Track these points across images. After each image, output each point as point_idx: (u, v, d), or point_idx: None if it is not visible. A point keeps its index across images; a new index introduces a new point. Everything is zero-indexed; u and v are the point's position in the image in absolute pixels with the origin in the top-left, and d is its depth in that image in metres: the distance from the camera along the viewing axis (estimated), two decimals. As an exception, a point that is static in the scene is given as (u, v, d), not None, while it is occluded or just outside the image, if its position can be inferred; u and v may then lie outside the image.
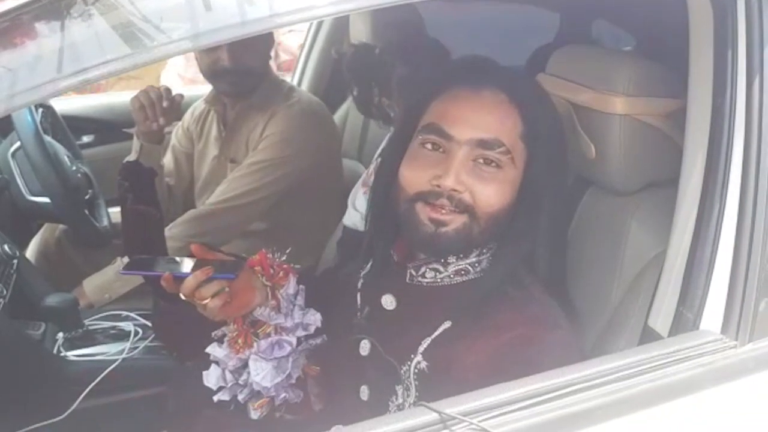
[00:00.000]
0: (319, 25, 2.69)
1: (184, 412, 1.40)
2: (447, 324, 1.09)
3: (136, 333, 1.69)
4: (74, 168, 1.92)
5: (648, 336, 1.14)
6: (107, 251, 1.98)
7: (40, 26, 0.66)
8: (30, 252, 2.15)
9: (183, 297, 1.09)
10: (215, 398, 1.23)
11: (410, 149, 1.12)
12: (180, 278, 1.09)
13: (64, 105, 2.34)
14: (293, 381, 1.23)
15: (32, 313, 1.64)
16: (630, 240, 1.24)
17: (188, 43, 0.72)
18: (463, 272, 1.12)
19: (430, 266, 1.13)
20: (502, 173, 1.07)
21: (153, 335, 1.68)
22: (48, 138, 1.86)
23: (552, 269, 1.13)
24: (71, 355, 1.62)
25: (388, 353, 1.13)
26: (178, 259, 1.15)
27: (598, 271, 1.28)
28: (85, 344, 1.65)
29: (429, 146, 1.09)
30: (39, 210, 1.88)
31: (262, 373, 1.18)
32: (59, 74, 0.65)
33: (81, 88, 0.66)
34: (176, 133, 2.24)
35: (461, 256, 1.11)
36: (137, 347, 1.65)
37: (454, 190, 1.05)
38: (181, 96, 1.87)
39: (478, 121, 1.07)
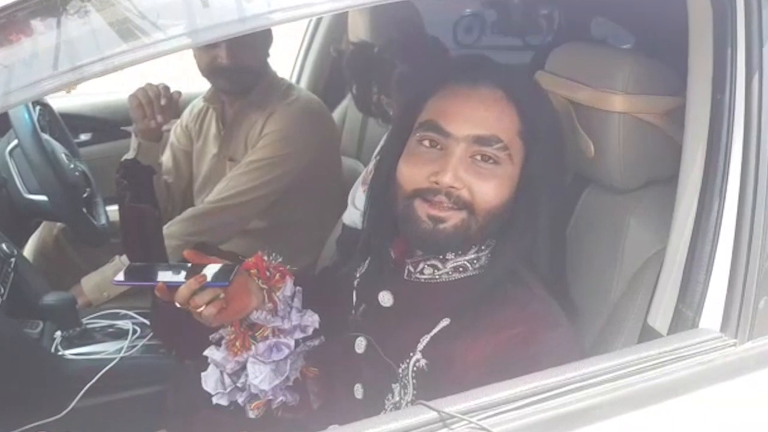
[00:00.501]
0: (318, 22, 2.69)
1: (182, 411, 1.40)
2: (446, 321, 1.08)
3: (135, 331, 1.69)
4: (72, 166, 1.92)
5: (647, 334, 1.14)
6: (105, 250, 1.98)
7: (36, 23, 0.66)
8: (28, 250, 2.14)
9: (178, 305, 1.09)
10: (214, 401, 1.23)
11: (408, 147, 1.12)
12: (173, 287, 1.08)
13: (61, 103, 2.33)
14: (291, 383, 1.23)
15: (30, 311, 1.64)
16: (629, 237, 1.24)
17: (186, 39, 0.72)
18: (461, 269, 1.12)
19: (429, 263, 1.13)
20: (500, 169, 1.07)
21: (151, 334, 1.68)
22: (45, 136, 1.86)
23: (551, 267, 1.13)
24: (69, 353, 1.62)
25: (385, 351, 1.13)
26: (173, 266, 1.14)
27: (597, 269, 1.28)
28: (83, 343, 1.66)
29: (426, 143, 1.09)
30: (37, 208, 1.88)
31: (260, 376, 1.18)
32: (55, 71, 0.65)
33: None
34: (175, 131, 2.23)
35: (459, 252, 1.11)
36: (135, 346, 1.65)
37: (452, 187, 1.05)
38: (179, 93, 1.87)
39: (475, 117, 1.07)
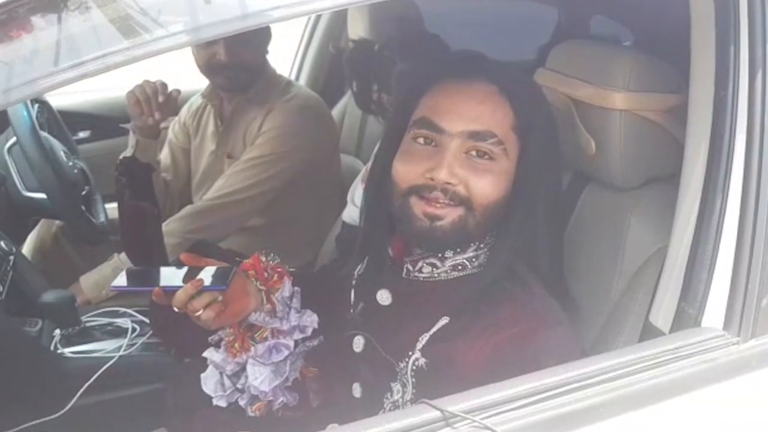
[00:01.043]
0: (317, 20, 2.69)
1: (182, 409, 1.39)
2: (445, 320, 1.08)
3: (134, 330, 1.69)
4: (71, 164, 1.92)
5: (649, 332, 1.14)
6: (104, 247, 1.98)
7: (37, 19, 0.65)
8: (26, 248, 2.14)
9: (176, 309, 1.08)
10: (214, 401, 1.22)
11: (403, 144, 1.12)
12: (170, 291, 1.08)
13: (60, 100, 2.33)
14: (289, 383, 1.22)
15: (29, 309, 1.64)
16: (630, 236, 1.24)
17: (187, 36, 0.71)
18: (460, 267, 1.11)
19: (427, 261, 1.12)
20: (496, 165, 1.07)
21: (150, 332, 1.68)
22: (44, 134, 1.86)
23: (551, 265, 1.12)
24: (68, 351, 1.62)
25: (384, 350, 1.12)
26: (171, 269, 1.13)
27: (598, 267, 1.28)
28: (82, 341, 1.65)
29: (421, 140, 1.09)
30: (35, 206, 1.88)
31: (260, 378, 1.18)
32: (56, 68, 0.64)
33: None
34: (173, 129, 2.23)
35: (458, 250, 1.11)
36: (135, 344, 1.65)
37: (448, 183, 1.05)
38: (178, 91, 1.86)
39: (469, 113, 1.07)
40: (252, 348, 1.18)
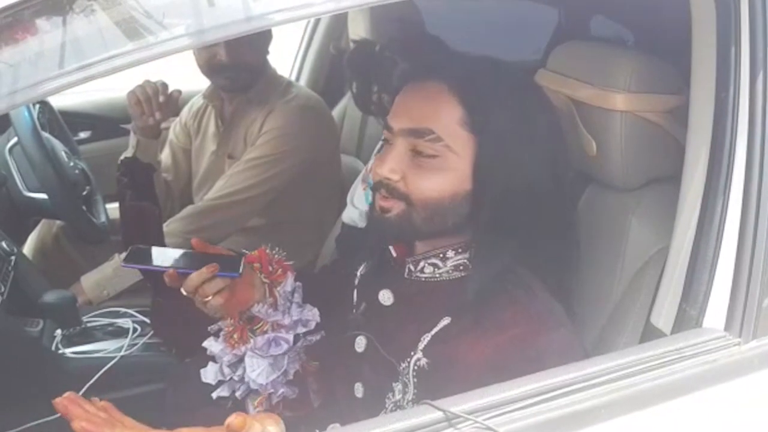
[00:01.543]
0: (317, 20, 2.69)
1: (182, 409, 1.40)
2: (446, 320, 1.08)
3: (135, 330, 1.69)
4: (72, 164, 1.92)
5: (650, 333, 1.14)
6: (105, 247, 1.98)
7: (42, 22, 0.65)
8: (27, 248, 2.14)
9: (185, 293, 1.09)
10: (214, 395, 1.23)
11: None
12: (183, 274, 1.08)
13: (61, 101, 2.33)
14: (290, 377, 1.23)
15: (30, 310, 1.64)
16: (631, 236, 1.24)
17: (191, 39, 0.72)
18: (461, 267, 1.11)
19: (429, 261, 1.13)
20: (442, 162, 1.07)
21: (151, 332, 1.68)
22: (45, 134, 1.86)
23: (552, 266, 1.12)
24: (69, 352, 1.62)
25: (386, 350, 1.12)
26: (177, 251, 1.14)
27: (598, 268, 1.28)
28: (83, 341, 1.66)
29: (385, 141, 1.13)
30: (36, 206, 1.89)
31: (257, 370, 1.18)
32: (61, 70, 0.65)
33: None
34: (174, 129, 2.23)
35: (460, 250, 1.11)
36: (136, 344, 1.65)
37: (387, 179, 1.08)
38: (179, 92, 1.86)
39: (412, 111, 1.10)
40: (251, 340, 1.18)
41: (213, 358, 1.23)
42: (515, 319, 1.04)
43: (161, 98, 1.84)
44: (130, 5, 0.68)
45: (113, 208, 2.02)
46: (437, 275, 1.12)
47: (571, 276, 1.20)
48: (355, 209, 1.87)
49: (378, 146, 1.85)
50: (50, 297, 1.64)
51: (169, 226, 1.90)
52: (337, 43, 2.61)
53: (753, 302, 1.02)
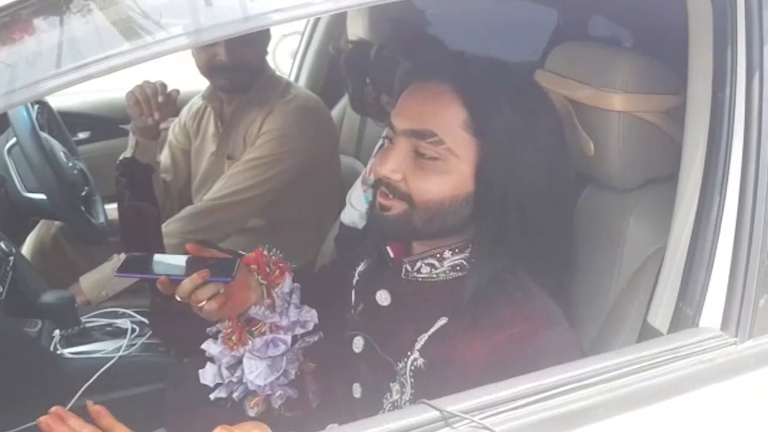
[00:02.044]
0: (317, 21, 2.69)
1: (181, 410, 1.40)
2: (443, 320, 1.08)
3: (133, 330, 1.69)
4: (70, 164, 1.92)
5: (647, 333, 1.14)
6: (104, 248, 1.98)
7: (39, 22, 0.66)
8: (26, 249, 2.14)
9: (179, 299, 1.09)
10: (212, 396, 1.23)
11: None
12: (176, 281, 1.08)
13: (60, 101, 2.33)
14: (292, 377, 1.23)
15: (29, 310, 1.64)
16: (628, 236, 1.24)
17: (188, 39, 0.72)
18: (458, 268, 1.12)
19: (426, 261, 1.13)
20: (443, 164, 1.07)
21: (150, 332, 1.68)
22: (44, 134, 1.86)
23: (550, 266, 1.13)
24: (68, 352, 1.62)
25: (383, 350, 1.13)
26: (173, 257, 1.14)
27: (596, 268, 1.28)
28: (81, 341, 1.65)
29: (387, 140, 1.14)
30: (35, 207, 1.88)
31: (256, 371, 1.18)
32: (58, 70, 0.65)
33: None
34: (173, 130, 2.23)
35: (457, 251, 1.11)
36: (134, 344, 1.65)
37: (388, 178, 1.08)
38: (177, 92, 1.86)
39: (415, 112, 1.09)
40: (249, 342, 1.18)
41: (212, 359, 1.23)
42: (512, 319, 1.04)
43: (160, 99, 1.84)
44: (127, 5, 0.68)
45: (112, 209, 2.02)
46: (434, 275, 1.13)
47: (569, 276, 1.20)
48: (354, 210, 1.87)
49: (378, 144, 1.85)
50: (49, 297, 1.64)
51: (167, 227, 1.90)
52: (336, 43, 2.61)
53: (749, 302, 1.02)
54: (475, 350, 1.03)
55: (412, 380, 1.08)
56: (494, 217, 1.07)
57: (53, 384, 1.52)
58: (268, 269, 1.20)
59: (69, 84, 0.66)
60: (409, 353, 1.08)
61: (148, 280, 1.13)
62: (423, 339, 1.08)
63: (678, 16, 1.10)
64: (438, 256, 1.12)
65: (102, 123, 2.60)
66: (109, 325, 1.73)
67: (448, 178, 1.07)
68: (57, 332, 1.64)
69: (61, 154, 1.90)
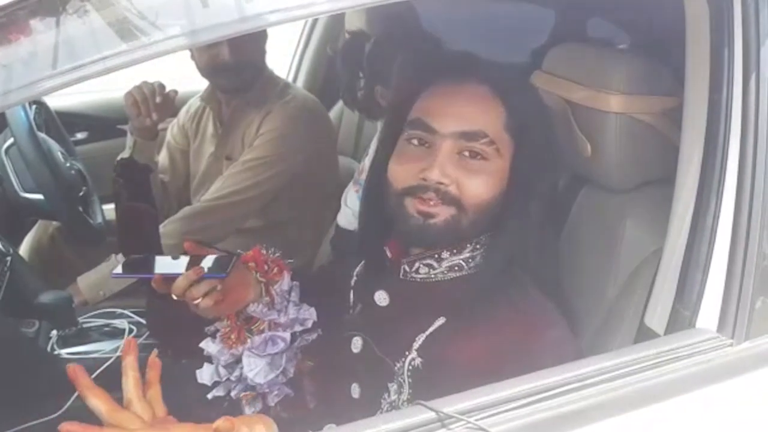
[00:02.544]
0: (315, 22, 2.69)
1: (178, 410, 1.39)
2: (441, 321, 1.08)
3: (131, 330, 1.69)
4: (68, 165, 1.91)
5: (644, 334, 1.14)
6: (101, 248, 1.98)
7: (36, 22, 0.66)
8: (23, 249, 2.14)
9: (175, 297, 1.09)
10: (210, 395, 1.22)
11: (398, 145, 1.13)
12: (171, 278, 1.08)
13: (57, 101, 2.33)
14: (290, 375, 1.23)
15: (26, 310, 1.64)
16: (626, 238, 1.25)
17: (185, 39, 0.72)
18: (456, 268, 1.12)
19: (424, 262, 1.13)
20: (489, 165, 1.08)
21: (147, 333, 1.68)
22: (42, 135, 1.86)
23: (547, 267, 1.13)
24: (65, 352, 1.62)
25: (381, 350, 1.13)
26: (172, 257, 1.14)
27: (593, 269, 1.28)
28: (79, 342, 1.66)
29: (415, 142, 1.10)
30: (32, 207, 1.88)
31: (255, 369, 1.18)
32: (54, 71, 0.65)
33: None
34: (171, 131, 2.23)
35: (455, 251, 1.11)
36: (132, 345, 1.64)
37: (440, 183, 1.06)
38: (175, 92, 1.86)
39: (461, 113, 1.08)
40: (248, 340, 1.18)
41: (209, 359, 1.23)
42: (510, 319, 1.04)
43: (158, 99, 1.84)
44: (124, 6, 0.68)
45: (110, 209, 2.02)
46: (432, 276, 1.13)
47: (567, 277, 1.20)
48: (349, 209, 1.87)
49: (373, 147, 1.85)
50: (46, 298, 1.64)
51: (165, 228, 1.90)
52: (334, 44, 2.61)
53: (746, 303, 1.02)
54: (472, 350, 1.03)
55: (410, 380, 1.08)
56: (515, 216, 1.09)
57: (50, 384, 1.52)
58: (266, 267, 1.20)
59: (65, 85, 0.66)
60: (407, 353, 1.08)
61: (145, 281, 1.13)
62: (421, 339, 1.08)
63: (675, 17, 1.11)
64: (436, 257, 1.12)
65: (100, 123, 2.60)
66: (107, 325, 1.73)
67: (493, 178, 1.08)
68: (54, 332, 1.64)
69: (59, 154, 1.89)
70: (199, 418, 1.26)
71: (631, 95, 1.21)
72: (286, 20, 0.76)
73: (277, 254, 1.23)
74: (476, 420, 0.86)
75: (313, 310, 1.21)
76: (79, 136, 2.58)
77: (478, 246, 1.12)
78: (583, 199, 1.35)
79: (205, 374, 1.22)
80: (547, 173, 1.13)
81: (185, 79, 2.26)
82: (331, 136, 2.26)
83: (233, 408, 1.23)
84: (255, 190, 1.97)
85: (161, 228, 1.85)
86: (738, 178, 1.03)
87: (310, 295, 1.23)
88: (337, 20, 2.51)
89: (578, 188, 1.36)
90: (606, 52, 1.35)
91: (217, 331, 1.21)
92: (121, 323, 1.72)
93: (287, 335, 1.19)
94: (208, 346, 1.21)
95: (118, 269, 1.13)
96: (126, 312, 1.76)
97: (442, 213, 1.07)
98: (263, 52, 2.06)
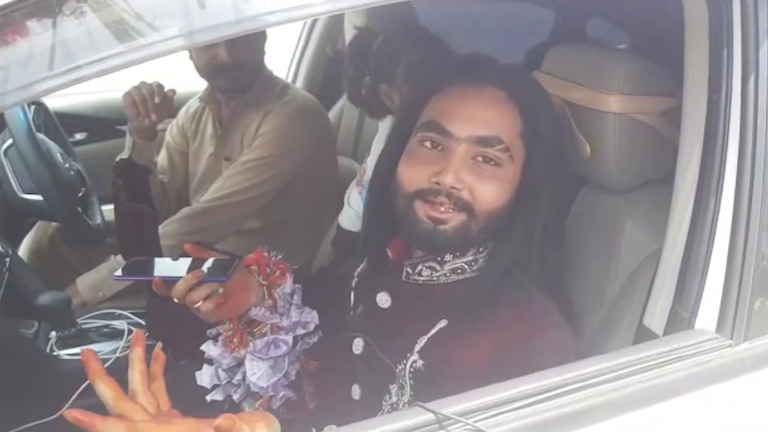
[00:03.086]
0: (314, 22, 2.69)
1: (177, 411, 1.39)
2: (443, 323, 1.08)
3: (130, 331, 1.69)
4: (67, 165, 1.91)
5: (643, 335, 1.14)
6: (100, 249, 1.98)
7: (33, 23, 0.66)
8: (23, 250, 2.14)
9: (176, 300, 1.08)
10: (208, 398, 1.22)
11: (409, 147, 1.12)
12: (171, 282, 1.08)
13: (56, 102, 2.33)
14: (292, 378, 1.22)
15: (25, 311, 1.64)
16: (625, 238, 1.24)
17: (182, 40, 0.72)
18: (459, 271, 1.12)
19: (427, 264, 1.13)
20: (502, 171, 1.07)
21: (147, 334, 1.67)
22: (41, 135, 1.86)
23: (545, 268, 1.13)
24: (64, 353, 1.62)
25: (383, 352, 1.12)
26: (173, 259, 1.14)
27: (593, 270, 1.28)
28: (78, 343, 1.65)
29: (428, 144, 1.09)
30: (32, 208, 1.88)
31: (258, 373, 1.18)
32: (51, 72, 0.65)
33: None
34: (170, 131, 2.24)
35: (458, 254, 1.11)
36: (131, 346, 1.64)
37: (454, 188, 1.05)
38: (174, 92, 1.87)
39: (478, 118, 1.07)
40: (250, 343, 1.18)
41: (209, 360, 1.22)
42: (511, 321, 1.04)
43: (157, 100, 1.84)
44: (121, 7, 0.68)
45: (109, 210, 2.02)
46: (435, 278, 1.12)
47: (566, 278, 1.20)
48: (352, 210, 1.87)
49: (374, 147, 1.85)
50: (45, 298, 1.64)
51: (165, 228, 1.90)
52: (333, 45, 2.62)
53: (744, 304, 1.02)
54: (474, 352, 1.03)
55: (412, 382, 1.08)
56: (522, 223, 1.09)
57: (50, 385, 1.52)
58: (268, 270, 1.19)
59: (63, 86, 0.66)
60: (408, 355, 1.08)
61: (146, 282, 1.13)
62: (423, 341, 1.08)
63: (674, 17, 1.10)
64: (439, 259, 1.12)
65: (99, 124, 2.60)
66: (106, 326, 1.73)
67: (504, 184, 1.08)
68: (53, 333, 1.64)
69: (58, 155, 1.89)
70: (199, 416, 1.26)
71: (631, 95, 1.20)
72: (284, 21, 0.76)
73: (280, 256, 1.23)
74: (475, 421, 0.86)
75: (315, 313, 1.21)
76: (78, 136, 2.58)
77: (481, 249, 1.12)
78: (583, 199, 1.35)
79: (204, 376, 1.22)
80: (557, 180, 1.13)
81: (186, 80, 2.26)
82: (331, 136, 2.26)
83: (233, 410, 1.23)
84: (254, 190, 1.97)
85: (160, 229, 1.85)
86: (737, 178, 1.03)
87: (310, 298, 1.23)
88: (336, 20, 2.51)
89: (578, 188, 1.36)
90: (605, 53, 1.35)
91: (219, 334, 1.21)
92: (121, 324, 1.72)
93: (289, 338, 1.19)
94: (210, 349, 1.20)
95: (119, 272, 1.13)
96: (125, 313, 1.76)
97: (453, 219, 1.06)
98: (262, 53, 2.06)
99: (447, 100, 1.10)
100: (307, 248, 2.12)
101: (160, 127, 1.94)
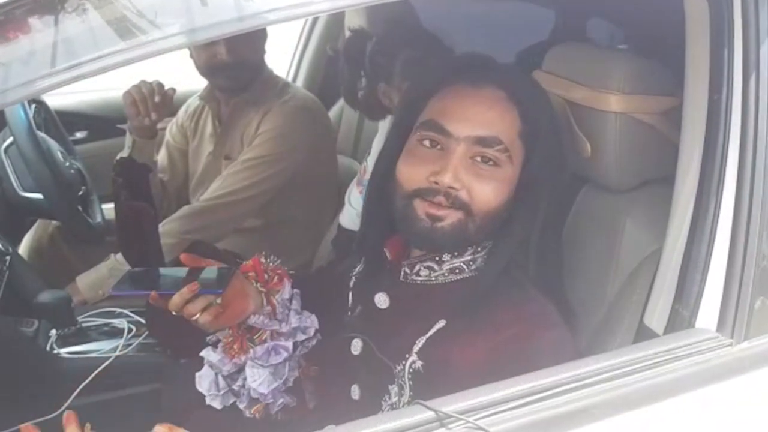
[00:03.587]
0: (314, 21, 2.69)
1: (177, 410, 1.39)
2: (441, 323, 1.08)
3: (130, 330, 1.69)
4: (67, 164, 1.92)
5: (643, 334, 1.14)
6: (101, 248, 1.97)
7: (34, 21, 0.66)
8: (23, 248, 2.14)
9: (173, 313, 1.08)
10: (207, 401, 1.22)
11: (408, 146, 1.12)
12: (167, 295, 1.06)
13: (57, 101, 2.33)
14: (290, 384, 1.22)
15: (25, 310, 1.64)
16: (625, 238, 1.24)
17: (183, 38, 0.72)
18: (457, 270, 1.12)
19: (425, 264, 1.13)
20: (500, 171, 1.07)
21: (147, 332, 1.68)
22: (41, 134, 1.86)
23: (547, 267, 1.13)
24: (64, 352, 1.62)
25: (382, 352, 1.12)
26: (169, 269, 1.13)
27: (593, 269, 1.28)
28: (78, 341, 1.65)
29: (427, 143, 1.09)
30: (32, 206, 1.88)
31: (259, 380, 1.17)
32: (53, 69, 0.65)
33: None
34: (170, 130, 2.23)
35: (456, 254, 1.11)
36: (131, 344, 1.65)
37: (452, 188, 1.05)
38: (174, 90, 1.87)
39: (477, 118, 1.07)
40: (251, 350, 1.17)
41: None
42: (510, 320, 1.04)
43: (157, 98, 1.84)
44: (122, 4, 0.68)
45: (109, 209, 2.02)
46: (433, 278, 1.12)
47: (566, 277, 1.20)
48: (353, 209, 1.87)
49: (375, 146, 1.85)
50: (45, 297, 1.64)
51: (164, 227, 1.89)
52: (334, 44, 2.61)
53: (745, 303, 1.02)
54: (472, 352, 1.03)
55: (411, 383, 1.08)
56: (520, 223, 1.09)
57: (50, 384, 1.52)
58: (266, 276, 1.19)
59: (64, 83, 0.66)
60: (407, 356, 1.08)
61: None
62: (421, 342, 1.08)
63: (675, 17, 1.11)
64: (437, 259, 1.12)
65: (99, 122, 2.60)
66: (106, 324, 1.73)
67: (503, 185, 1.08)
68: (54, 332, 1.64)
69: (59, 153, 1.89)
70: (198, 418, 1.26)
71: (631, 95, 1.20)
72: (285, 19, 0.76)
73: (277, 261, 1.22)
74: (475, 419, 0.86)
75: (314, 317, 1.21)
76: (79, 135, 2.58)
77: (479, 249, 1.12)
78: (583, 198, 1.35)
79: (204, 383, 1.22)
80: (556, 181, 1.13)
81: (186, 78, 2.26)
82: (331, 135, 2.26)
83: (231, 410, 1.23)
84: (254, 189, 1.97)
85: (160, 227, 1.85)
86: (737, 178, 1.03)
87: (308, 298, 1.23)
88: (337, 19, 2.51)
89: (578, 188, 1.36)
90: (606, 52, 1.35)
91: (219, 340, 1.20)
92: (121, 323, 1.72)
93: (289, 344, 1.19)
94: (209, 355, 1.20)
95: (116, 288, 1.11)
96: (125, 311, 1.76)
97: (450, 217, 1.06)
98: (262, 52, 2.06)
99: (446, 99, 1.10)
100: (307, 247, 2.12)
101: (160, 125, 1.94)
